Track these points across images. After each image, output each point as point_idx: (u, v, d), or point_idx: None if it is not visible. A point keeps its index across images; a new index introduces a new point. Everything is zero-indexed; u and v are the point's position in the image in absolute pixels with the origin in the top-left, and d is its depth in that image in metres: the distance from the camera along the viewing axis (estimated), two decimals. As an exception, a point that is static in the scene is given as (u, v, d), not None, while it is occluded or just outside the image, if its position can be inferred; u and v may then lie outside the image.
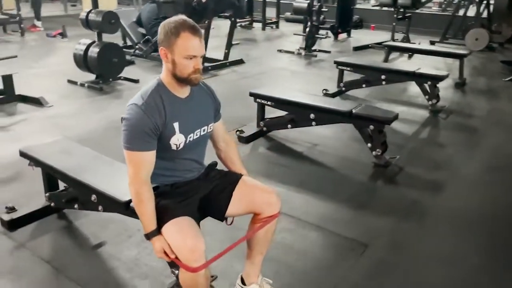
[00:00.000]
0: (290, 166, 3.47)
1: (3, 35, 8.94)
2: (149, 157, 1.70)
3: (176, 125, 1.74)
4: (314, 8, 7.74)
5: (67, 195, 2.50)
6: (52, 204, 2.61)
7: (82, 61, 5.30)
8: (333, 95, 5.24)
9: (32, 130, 3.99)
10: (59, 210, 2.65)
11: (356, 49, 8.38)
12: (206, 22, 6.25)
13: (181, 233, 1.65)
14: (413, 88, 5.39)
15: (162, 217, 1.71)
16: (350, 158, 3.62)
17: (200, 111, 1.84)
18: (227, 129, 3.83)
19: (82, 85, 5.35)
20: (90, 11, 5.31)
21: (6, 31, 9.15)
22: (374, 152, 3.44)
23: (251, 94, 3.94)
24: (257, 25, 10.79)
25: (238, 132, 3.92)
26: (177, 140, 1.75)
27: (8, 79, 4.59)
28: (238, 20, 10.11)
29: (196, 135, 1.82)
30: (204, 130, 1.86)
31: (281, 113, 3.91)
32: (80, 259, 2.31)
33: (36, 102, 4.63)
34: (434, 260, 2.37)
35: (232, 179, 1.96)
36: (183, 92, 1.79)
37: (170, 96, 1.75)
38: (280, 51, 7.97)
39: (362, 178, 3.31)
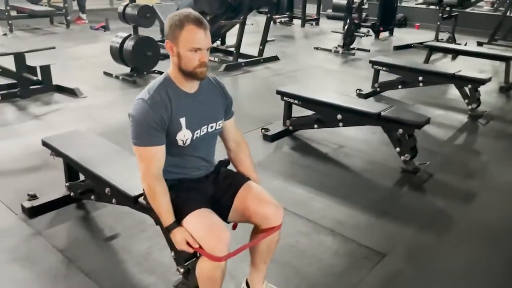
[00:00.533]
0: (313, 167, 3.38)
1: (50, 26, 9.31)
2: (158, 152, 1.68)
3: (182, 120, 1.71)
4: (354, 5, 7.54)
5: (84, 186, 2.54)
6: (72, 194, 2.66)
7: (118, 54, 5.41)
8: (367, 96, 5.08)
9: (63, 120, 4.10)
10: (78, 200, 2.70)
11: (397, 48, 8.09)
12: (241, 18, 6.21)
13: (205, 224, 1.64)
14: (453, 91, 5.13)
15: (181, 209, 1.70)
16: (376, 162, 3.48)
17: (208, 107, 1.80)
18: (253, 126, 3.81)
19: (117, 77, 5.47)
20: (127, 5, 5.40)
21: (53, 23, 9.53)
22: (402, 157, 3.29)
23: (278, 92, 3.87)
24: (297, 22, 10.66)
25: (263, 130, 3.86)
26: (184, 136, 1.72)
27: (46, 69, 4.75)
28: (277, 17, 10.08)
29: (203, 131, 1.79)
30: (212, 127, 1.82)
31: (309, 112, 3.83)
32: (92, 250, 2.34)
33: (71, 92, 4.76)
34: (456, 275, 2.24)
35: (237, 182, 1.89)
36: (191, 87, 1.75)
37: (177, 91, 1.72)
38: (317, 48, 7.83)
39: (387, 184, 3.17)
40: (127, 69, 5.57)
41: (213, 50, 7.18)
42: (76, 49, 7.26)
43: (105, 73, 5.61)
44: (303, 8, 10.40)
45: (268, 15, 6.54)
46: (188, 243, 1.65)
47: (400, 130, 3.24)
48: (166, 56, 6.63)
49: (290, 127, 3.92)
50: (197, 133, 1.76)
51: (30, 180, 2.99)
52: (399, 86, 5.03)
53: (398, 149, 3.31)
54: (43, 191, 2.74)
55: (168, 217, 1.68)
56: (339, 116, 3.53)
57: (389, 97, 5.12)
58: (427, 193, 3.08)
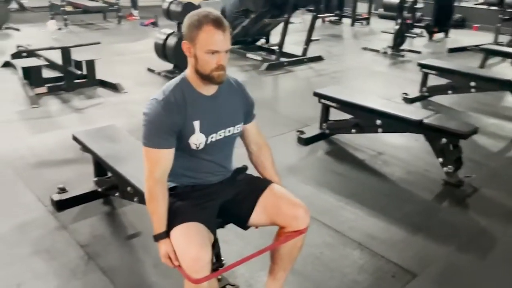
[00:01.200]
0: (346, 175, 3.22)
1: (103, 22, 9.61)
2: (165, 155, 1.62)
3: (196, 123, 1.64)
4: (406, 4, 7.20)
5: (109, 183, 2.55)
6: (99, 189, 2.68)
7: (161, 50, 5.46)
8: (413, 100, 4.82)
9: (103, 114, 4.18)
10: (105, 195, 2.71)
11: (452, 51, 7.66)
12: (286, 16, 6.09)
13: (187, 240, 1.55)
14: (510, 99, 4.77)
15: (173, 219, 1.63)
16: (416, 172, 3.27)
17: (226, 111, 1.72)
18: (289, 128, 3.70)
19: (159, 73, 5.53)
20: (172, 2, 5.43)
21: (106, 18, 9.84)
22: (445, 169, 3.07)
23: (315, 94, 3.73)
24: (347, 21, 10.38)
25: (298, 133, 3.74)
26: (197, 139, 1.65)
27: (90, 64, 4.87)
28: (325, 15, 9.86)
29: (220, 135, 1.71)
30: (229, 131, 1.74)
31: (347, 116, 3.66)
32: (112, 247, 2.34)
33: (113, 87, 4.86)
34: (493, 305, 2.03)
35: (259, 186, 1.82)
36: (208, 90, 1.68)
37: (193, 93, 1.65)
38: (364, 49, 7.56)
39: (426, 197, 2.96)
40: (170, 66, 5.62)
41: (257, 49, 7.13)
42: (124, 44, 7.44)
43: (149, 69, 5.69)
44: (353, 6, 10.12)
45: (314, 13, 6.37)
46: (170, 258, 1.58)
47: (444, 140, 3.01)
48: (209, 54, 6.67)
49: (327, 131, 3.78)
50: (212, 137, 1.68)
51: (63, 172, 3.05)
52: (449, 92, 4.73)
53: (440, 159, 3.08)
54: (73, 184, 2.78)
55: (159, 226, 1.61)
56: (378, 122, 3.35)
57: (437, 103, 4.83)
58: (470, 209, 2.85)
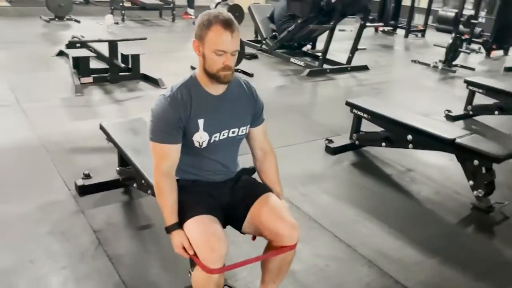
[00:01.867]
0: (370, 189, 3.13)
1: (158, 19, 9.94)
2: (172, 150, 1.66)
3: (201, 122, 1.66)
4: (462, 18, 6.90)
5: (128, 173, 2.63)
6: (120, 179, 2.77)
7: (205, 49, 5.56)
8: (456, 118, 4.62)
9: (139, 107, 4.32)
10: (125, 185, 2.80)
11: (509, 70, 7.26)
12: (332, 23, 6.01)
13: (204, 231, 1.58)
14: None
15: (185, 212, 1.66)
16: (445, 193, 3.12)
17: (232, 112, 1.73)
18: (319, 135, 3.65)
19: (200, 72, 5.63)
20: (219, 3, 5.53)
21: (161, 16, 10.17)
22: (475, 192, 2.91)
23: (348, 103, 3.66)
24: (401, 32, 10.10)
25: (327, 141, 3.68)
26: (200, 137, 1.67)
27: (135, 58, 5.06)
28: (377, 25, 9.65)
29: (224, 135, 1.72)
30: (233, 132, 1.74)
31: (378, 128, 3.56)
32: (123, 235, 2.40)
33: (155, 82, 5.01)
34: None
35: (255, 192, 1.80)
36: (216, 89, 1.69)
37: (200, 92, 1.67)
38: (414, 61, 7.32)
39: (450, 219, 2.82)
40: (211, 65, 5.70)
41: (302, 54, 7.09)
42: (173, 42, 7.65)
43: (192, 67, 5.80)
44: (408, 17, 9.84)
45: (362, 22, 6.25)
46: (184, 248, 1.60)
47: (476, 162, 2.86)
48: (253, 56, 6.73)
49: (357, 142, 3.69)
50: (216, 137, 1.70)
51: (92, 159, 3.18)
52: (496, 112, 4.48)
53: (471, 182, 2.93)
54: (98, 172, 2.89)
55: (169, 218, 1.65)
56: (409, 137, 3.23)
57: (482, 123, 4.60)
58: (495, 238, 2.68)
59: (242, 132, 1.77)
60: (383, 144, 3.46)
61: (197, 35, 1.61)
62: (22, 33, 7.46)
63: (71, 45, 5.71)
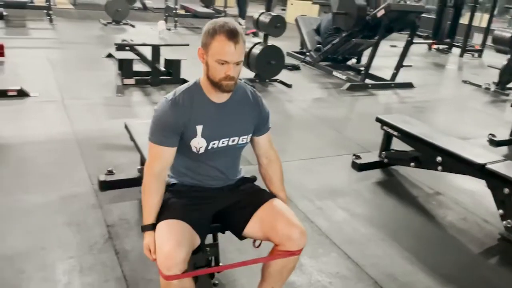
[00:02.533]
0: (392, 210, 3.01)
1: (209, 27, 10.17)
2: (166, 153, 1.68)
3: (199, 128, 1.67)
4: (519, 39, 6.53)
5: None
6: (140, 177, 2.85)
7: (246, 58, 5.64)
8: (499, 144, 4.36)
9: (174, 111, 4.43)
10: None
11: None
12: (376, 38, 5.90)
13: (166, 236, 1.58)
14: None
15: (162, 214, 1.69)
16: (472, 221, 2.94)
17: (234, 121, 1.73)
18: (347, 150, 3.58)
19: (240, 80, 5.69)
20: (262, 13, 5.59)
21: (212, 24, 10.40)
22: (504, 222, 2.73)
23: (378, 120, 3.56)
24: (457, 51, 9.72)
25: (354, 157, 3.60)
26: (198, 143, 1.69)
27: (176, 63, 5.21)
28: (430, 41, 9.34)
29: (223, 143, 1.73)
30: (233, 141, 1.75)
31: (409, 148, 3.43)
32: (133, 232, 2.46)
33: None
34: None
35: (260, 198, 1.80)
36: (219, 97, 1.70)
37: (202, 98, 1.69)
38: (465, 82, 7.01)
39: (473, 249, 2.65)
40: (251, 74, 5.77)
41: (345, 68, 7.00)
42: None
43: (231, 75, 5.90)
44: (465, 36, 9.45)
45: (409, 38, 6.07)
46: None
47: (506, 190, 2.68)
48: (295, 67, 6.73)
49: (385, 160, 3.58)
50: (214, 144, 1.71)
51: (119, 157, 3.29)
52: (545, 140, 4.19)
53: (500, 211, 2.75)
54: (122, 169, 3.01)
55: (147, 218, 1.67)
56: (438, 159, 3.09)
57: (529, 151, 4.30)
58: (521, 274, 2.49)
59: (243, 141, 1.77)
60: (412, 164, 3.33)
61: (202, 43, 1.64)
62: (80, 35, 7.93)
63: (119, 47, 5.97)
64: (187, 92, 1.70)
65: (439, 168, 3.12)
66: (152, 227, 1.67)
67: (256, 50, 5.49)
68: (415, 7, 5.97)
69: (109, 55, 6.16)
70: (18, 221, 2.45)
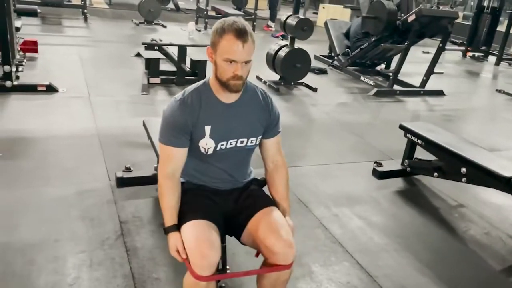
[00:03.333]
0: (410, 221, 2.91)
1: (239, 29, 10.21)
2: (177, 153, 1.67)
3: (207, 128, 1.66)
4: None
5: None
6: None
7: (271, 60, 5.62)
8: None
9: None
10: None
11: None
12: (406, 43, 5.76)
13: (198, 236, 1.56)
14: None
15: (184, 215, 1.66)
16: (495, 236, 2.81)
17: (242, 122, 1.71)
18: (369, 157, 3.49)
19: (264, 82, 5.69)
20: (289, 16, 5.55)
21: (242, 26, 10.44)
22: (530, 239, 2.60)
23: (401, 127, 3.46)
24: (493, 59, 9.39)
25: (375, 164, 3.51)
26: (206, 144, 1.67)
27: (202, 64, 5.24)
28: (463, 49, 9.07)
29: (231, 144, 1.70)
30: (242, 142, 1.72)
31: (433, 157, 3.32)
32: (144, 230, 2.47)
33: (217, 88, 5.14)
34: None
35: (257, 205, 1.75)
36: (228, 97, 1.68)
37: (211, 98, 1.68)
38: (499, 91, 6.76)
39: (494, 265, 2.53)
40: (276, 77, 5.74)
41: (374, 73, 6.87)
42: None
43: (257, 77, 5.89)
44: (502, 44, 9.11)
45: (440, 44, 5.89)
46: (178, 251, 1.60)
47: (533, 205, 2.55)
48: (322, 71, 6.66)
49: (408, 169, 3.47)
50: (222, 145, 1.69)
51: (139, 154, 3.32)
52: None
53: (526, 228, 2.62)
54: (140, 166, 3.04)
55: (169, 219, 1.65)
56: (463, 170, 2.96)
57: None
58: (545, 295, 2.36)
59: (252, 142, 1.74)
60: (435, 174, 3.22)
61: (211, 42, 1.62)
62: (112, 34, 8.11)
63: (148, 47, 6.07)
64: (196, 92, 1.68)
65: (464, 179, 3.00)
66: (176, 227, 1.64)
67: (282, 52, 5.46)
68: (447, 12, 5.81)
69: (138, 54, 6.26)
70: (35, 212, 2.51)
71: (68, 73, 5.20)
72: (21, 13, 4.92)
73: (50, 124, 3.74)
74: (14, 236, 2.29)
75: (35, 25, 7.54)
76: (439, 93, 6.17)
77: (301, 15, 5.65)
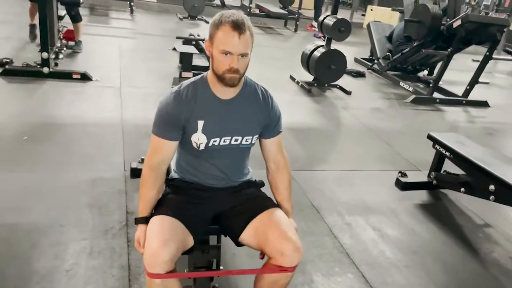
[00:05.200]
0: (428, 237, 2.74)
1: (282, 28, 10.15)
2: (167, 146, 1.65)
3: (200, 123, 1.62)
4: None
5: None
6: (170, 169, 2.86)
7: (306, 60, 5.51)
8: None
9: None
10: (173, 176, 2.88)
11: None
12: (450, 50, 5.47)
13: (155, 232, 1.54)
14: None
15: (157, 208, 1.67)
16: (522, 262, 2.61)
17: (238, 119, 1.66)
18: (395, 167, 3.35)
19: (297, 82, 5.59)
20: (327, 16, 5.42)
21: (286, 25, 10.37)
22: (559, 269, 2.38)
23: (429, 137, 3.28)
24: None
25: (399, 174, 3.35)
26: (198, 139, 1.63)
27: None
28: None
29: (224, 141, 1.66)
30: (236, 140, 1.67)
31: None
32: (149, 223, 2.48)
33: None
34: None
35: (259, 206, 1.71)
36: (225, 93, 1.63)
37: (207, 93, 1.64)
38: (552, 106, 6.30)
39: (515, 293, 2.34)
40: (310, 78, 5.62)
41: (415, 79, 6.60)
42: (283, 50, 7.75)
43: (291, 77, 5.80)
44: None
45: (487, 53, 5.56)
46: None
47: None
48: (359, 74, 6.47)
49: (434, 182, 3.29)
50: (215, 141, 1.64)
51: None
52: None
53: (556, 255, 2.40)
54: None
55: (142, 210, 1.65)
56: (491, 187, 2.76)
57: None
58: None
59: (247, 141, 1.69)
60: (462, 189, 3.02)
61: (208, 35, 1.58)
62: (155, 27, 8.27)
63: (186, 41, 6.12)
64: (193, 86, 1.65)
65: (491, 197, 2.79)
66: (145, 220, 1.64)
67: (317, 53, 5.34)
68: (497, 20, 5.47)
69: (175, 49, 6.33)
70: (47, 196, 2.57)
71: (105, 63, 5.34)
72: (64, 2, 5.06)
73: (78, 111, 3.83)
74: (23, 218, 2.35)
75: (83, 15, 7.80)
76: (483, 104, 5.83)
77: (348, 17, 5.53)
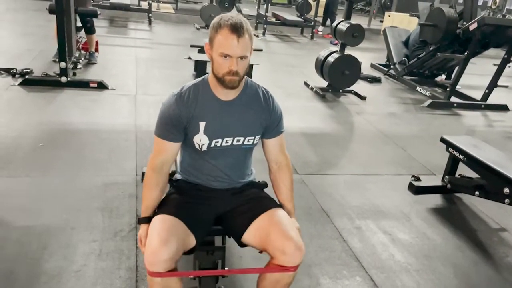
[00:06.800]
0: (440, 241, 2.69)
1: (298, 36, 10.18)
2: (168, 147, 1.68)
3: (202, 124, 1.64)
4: None
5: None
6: (180, 174, 2.90)
7: (320, 66, 5.51)
8: None
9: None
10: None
11: None
12: (466, 53, 5.38)
13: (156, 231, 1.56)
14: None
15: (159, 208, 1.69)
16: (539, 266, 2.53)
17: (239, 120, 1.67)
18: (408, 170, 3.32)
19: (311, 88, 5.58)
20: (341, 21, 5.42)
21: (302, 33, 10.39)
22: None
23: (442, 140, 3.23)
24: None
25: (412, 178, 3.30)
26: (200, 140, 1.66)
27: (250, 68, 5.25)
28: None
29: (226, 142, 1.67)
30: (238, 141, 1.69)
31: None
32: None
33: (262, 92, 5.13)
34: None
35: (261, 206, 1.72)
36: (226, 95, 1.66)
37: (208, 94, 1.66)
38: None
39: (530, 299, 2.27)
40: (324, 83, 5.62)
41: (432, 84, 6.51)
42: (298, 57, 7.75)
43: (305, 83, 5.81)
44: None
45: (506, 56, 5.45)
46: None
47: None
48: (375, 80, 6.43)
49: (448, 186, 3.23)
50: (217, 142, 1.66)
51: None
52: None
53: None
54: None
55: (145, 211, 1.68)
56: (506, 190, 2.70)
57: None
58: None
59: (249, 142, 1.70)
60: (476, 193, 2.96)
61: (208, 38, 1.61)
62: (172, 37, 8.40)
63: (202, 50, 6.19)
64: (194, 88, 1.68)
65: (506, 201, 2.73)
66: (148, 220, 1.67)
67: (331, 58, 5.33)
68: (515, 21, 5.35)
69: (190, 57, 6.42)
70: (60, 200, 2.63)
71: (122, 72, 5.45)
72: (82, 14, 5.20)
73: (93, 118, 3.92)
74: (36, 221, 2.41)
75: (102, 26, 8.00)
76: (503, 107, 5.71)
77: (366, 23, 5.50)
